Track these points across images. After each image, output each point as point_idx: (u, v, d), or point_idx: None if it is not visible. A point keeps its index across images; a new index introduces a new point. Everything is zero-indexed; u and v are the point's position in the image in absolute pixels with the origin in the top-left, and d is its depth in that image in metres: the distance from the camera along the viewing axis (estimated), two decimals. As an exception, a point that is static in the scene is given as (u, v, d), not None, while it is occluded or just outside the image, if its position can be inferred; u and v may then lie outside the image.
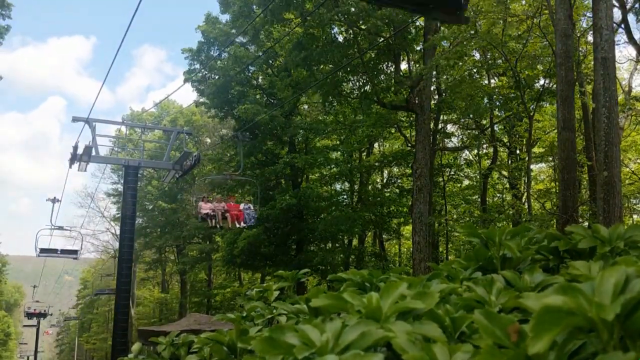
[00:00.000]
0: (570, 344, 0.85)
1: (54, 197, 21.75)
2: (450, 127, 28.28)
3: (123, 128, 26.43)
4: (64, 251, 24.74)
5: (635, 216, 25.45)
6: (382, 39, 19.49)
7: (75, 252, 25.38)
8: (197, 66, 28.24)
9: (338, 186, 32.01)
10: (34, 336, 48.14)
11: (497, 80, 24.63)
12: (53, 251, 24.13)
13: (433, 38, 18.24)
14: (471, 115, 24.28)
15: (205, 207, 17.26)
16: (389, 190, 30.93)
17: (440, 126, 26.30)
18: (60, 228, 23.54)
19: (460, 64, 22.14)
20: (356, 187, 31.04)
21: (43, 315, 45.09)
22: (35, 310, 44.60)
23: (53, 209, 21.70)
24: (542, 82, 22.56)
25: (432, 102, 22.21)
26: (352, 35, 20.74)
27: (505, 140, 25.65)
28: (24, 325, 51.55)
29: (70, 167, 16.33)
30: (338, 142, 29.40)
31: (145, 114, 40.15)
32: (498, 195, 28.48)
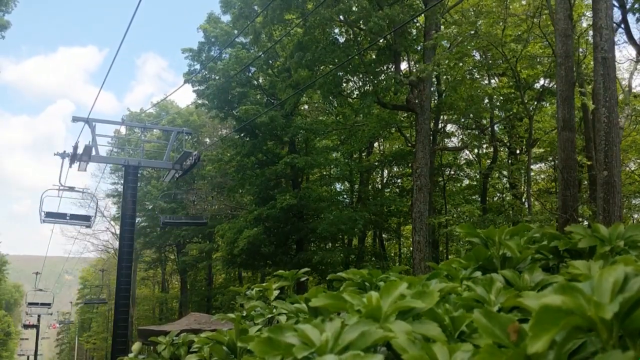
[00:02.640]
0: (569, 343, 0.85)
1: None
2: (450, 127, 28.32)
3: (123, 128, 26.38)
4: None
5: (635, 215, 25.46)
6: (382, 38, 19.50)
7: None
8: (197, 67, 28.28)
9: (338, 186, 32.04)
10: (33, 336, 48.09)
11: (497, 80, 24.64)
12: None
13: (433, 37, 18.25)
14: (471, 116, 24.30)
15: None
16: (389, 190, 30.95)
17: (440, 126, 26.30)
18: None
19: (461, 64, 22.15)
20: (356, 186, 31.06)
21: (47, 304, 43.11)
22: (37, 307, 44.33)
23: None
24: (542, 82, 22.58)
25: (432, 102, 22.22)
26: (352, 36, 20.75)
27: (506, 140, 25.67)
28: (24, 325, 51.37)
29: (70, 166, 16.33)
30: (338, 143, 29.43)
31: (144, 115, 40.16)
32: (498, 195, 28.49)
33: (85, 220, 20.79)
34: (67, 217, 19.56)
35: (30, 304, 38.54)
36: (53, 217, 19.13)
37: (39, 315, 45.78)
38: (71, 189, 18.72)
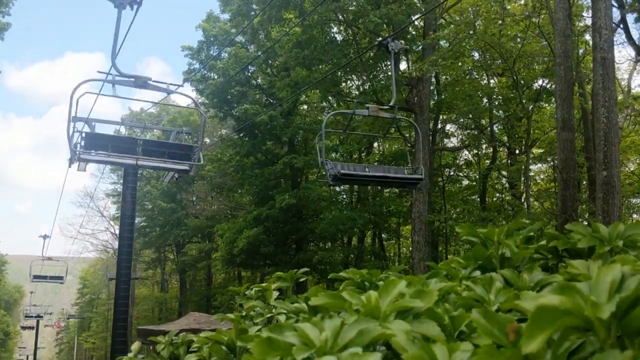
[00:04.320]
0: (566, 343, 0.85)
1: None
2: (449, 127, 28.32)
3: (122, 128, 26.34)
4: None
5: (635, 215, 25.47)
6: (381, 38, 19.50)
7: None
8: (197, 65, 28.28)
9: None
10: (33, 336, 48.14)
11: (496, 80, 24.65)
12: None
13: (431, 36, 18.25)
14: (470, 115, 24.29)
15: None
16: (388, 190, 30.93)
17: (439, 126, 26.31)
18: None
19: (460, 63, 22.14)
20: (355, 186, 31.04)
21: (60, 278, 45.55)
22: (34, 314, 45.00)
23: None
24: (540, 82, 22.58)
25: (432, 102, 22.21)
26: (350, 35, 20.75)
27: (505, 140, 25.66)
28: (22, 327, 51.78)
29: (69, 166, 16.29)
30: (338, 142, 29.41)
31: (144, 114, 40.12)
32: (497, 195, 28.49)
33: (59, 279, 31.26)
34: (47, 278, 30.58)
35: (27, 316, 46.56)
36: (38, 277, 30.20)
37: (37, 320, 45.96)
38: (50, 258, 29.47)
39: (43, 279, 30.74)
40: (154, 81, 10.60)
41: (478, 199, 26.38)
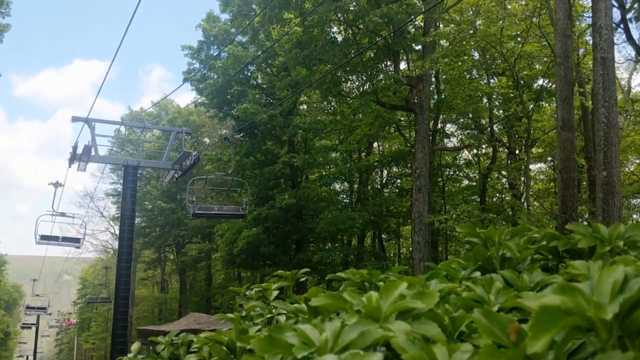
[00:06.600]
0: (569, 343, 0.85)
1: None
2: (449, 127, 28.32)
3: (122, 128, 26.30)
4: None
5: (635, 216, 25.47)
6: (381, 37, 19.51)
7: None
8: (197, 65, 28.29)
9: (337, 186, 32.02)
10: (33, 335, 48.01)
11: (496, 80, 24.65)
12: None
13: (432, 34, 18.25)
14: (470, 115, 24.29)
15: None
16: (388, 190, 30.93)
17: (439, 126, 26.30)
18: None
19: (460, 63, 22.13)
20: (355, 186, 31.04)
21: (44, 308, 44.82)
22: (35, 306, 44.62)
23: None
24: (540, 81, 22.59)
25: (431, 101, 22.20)
26: (350, 35, 20.75)
27: (505, 140, 25.66)
28: (23, 324, 51.48)
29: (69, 166, 16.33)
30: (337, 142, 29.40)
31: (144, 114, 40.16)
32: (497, 195, 28.48)
33: (43, 309, 35.21)
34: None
35: (24, 326, 48.89)
36: (30, 308, 33.50)
37: (36, 325, 45.73)
38: (37, 295, 33.39)
39: (32, 309, 38.30)
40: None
41: (478, 199, 26.37)
